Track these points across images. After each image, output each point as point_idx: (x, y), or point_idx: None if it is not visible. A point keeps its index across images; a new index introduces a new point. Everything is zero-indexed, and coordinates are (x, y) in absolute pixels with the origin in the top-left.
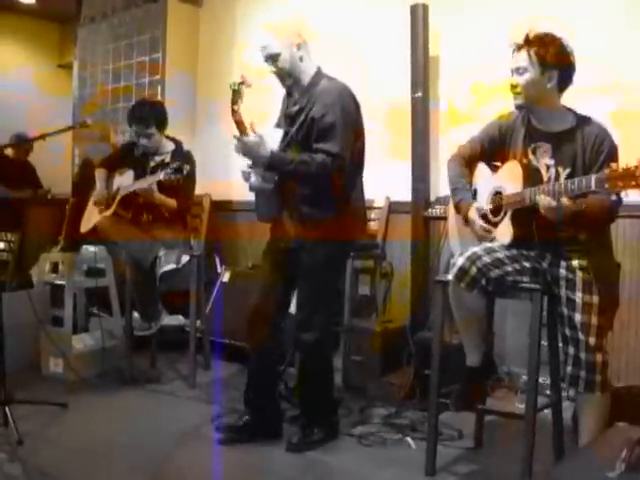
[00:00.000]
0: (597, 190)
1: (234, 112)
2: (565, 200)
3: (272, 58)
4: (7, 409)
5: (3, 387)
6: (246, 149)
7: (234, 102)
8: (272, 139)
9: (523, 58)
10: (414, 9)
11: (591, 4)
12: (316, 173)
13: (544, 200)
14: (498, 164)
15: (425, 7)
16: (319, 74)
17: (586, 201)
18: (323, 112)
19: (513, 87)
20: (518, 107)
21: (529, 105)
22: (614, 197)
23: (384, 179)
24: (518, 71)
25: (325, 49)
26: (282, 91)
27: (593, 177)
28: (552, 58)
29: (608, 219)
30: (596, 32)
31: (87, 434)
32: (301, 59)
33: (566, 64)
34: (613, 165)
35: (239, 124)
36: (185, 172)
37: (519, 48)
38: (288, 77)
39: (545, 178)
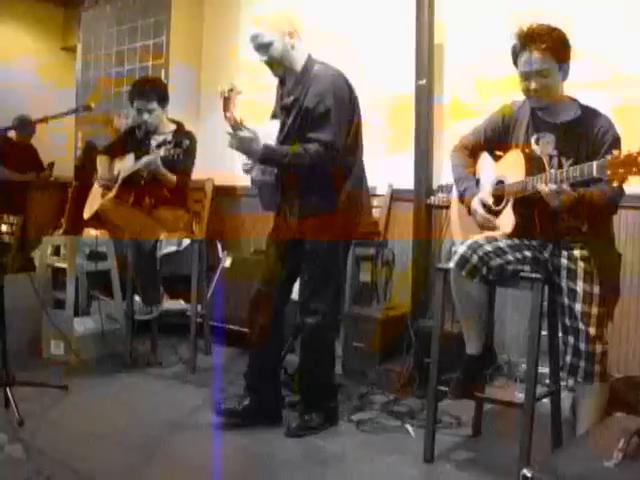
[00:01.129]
0: (599, 177)
1: (226, 117)
2: (566, 187)
3: (264, 47)
4: (8, 390)
5: (5, 369)
6: (240, 144)
7: (226, 109)
8: (269, 132)
9: (540, 59)
10: None
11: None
12: (310, 164)
13: (546, 186)
14: (500, 154)
15: None
16: (310, 61)
17: (587, 190)
18: (316, 101)
19: (535, 91)
20: (540, 108)
21: (549, 103)
22: (616, 184)
23: (387, 167)
24: (540, 74)
25: (329, 39)
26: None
27: (595, 164)
28: (565, 53)
29: (609, 210)
30: (598, 27)
31: (87, 416)
32: (293, 47)
33: (569, 52)
34: (615, 152)
35: (233, 126)
36: (184, 146)
37: (531, 48)
38: (279, 66)
39: (548, 168)
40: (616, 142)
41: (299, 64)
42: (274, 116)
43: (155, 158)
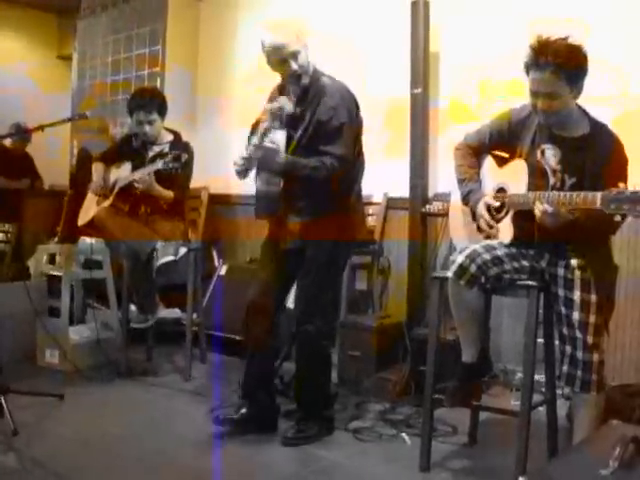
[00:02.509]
0: (601, 209)
1: (265, 128)
2: (563, 210)
3: (293, 56)
4: (2, 399)
5: None
6: (264, 155)
7: (265, 120)
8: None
9: (550, 81)
10: (415, 6)
11: (594, 5)
12: (327, 176)
13: (541, 207)
14: (504, 155)
15: (426, 4)
16: (316, 72)
17: (585, 212)
18: (329, 115)
19: (543, 110)
20: (547, 124)
21: (557, 118)
22: (618, 218)
23: (382, 175)
24: (550, 96)
25: (325, 45)
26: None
27: (599, 195)
28: (579, 72)
29: (607, 232)
30: (598, 35)
31: (82, 425)
32: (307, 58)
33: (585, 72)
34: (621, 185)
35: (263, 134)
36: (183, 160)
37: (543, 67)
38: (305, 75)
39: (551, 182)
40: (622, 167)
41: (307, 75)
42: (273, 127)
43: (148, 175)
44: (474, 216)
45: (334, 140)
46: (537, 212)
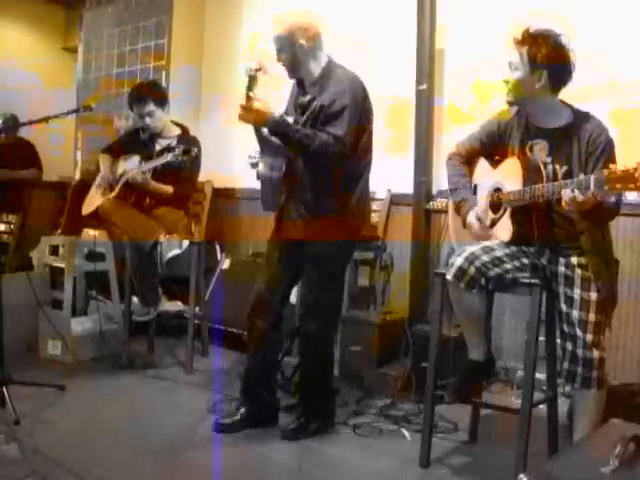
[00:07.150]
0: (596, 191)
1: (249, 98)
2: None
3: (279, 52)
4: (5, 390)
5: (1, 368)
6: (253, 115)
7: (249, 89)
8: None
9: (515, 55)
10: (421, 1)
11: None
12: (317, 150)
13: (570, 194)
14: (498, 158)
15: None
16: (331, 64)
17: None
18: (332, 99)
19: (506, 83)
20: (509, 103)
21: (519, 102)
22: (613, 198)
23: (385, 171)
24: (510, 67)
25: (330, 42)
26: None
27: (592, 177)
28: (543, 58)
29: (613, 216)
30: (596, 30)
31: (84, 416)
32: (311, 49)
33: (559, 63)
34: (612, 166)
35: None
36: (194, 154)
37: (514, 44)
38: (295, 70)
39: (544, 175)
40: (609, 147)
41: (318, 66)
42: (286, 113)
43: (143, 173)
44: (465, 225)
45: (334, 122)
46: (565, 199)
